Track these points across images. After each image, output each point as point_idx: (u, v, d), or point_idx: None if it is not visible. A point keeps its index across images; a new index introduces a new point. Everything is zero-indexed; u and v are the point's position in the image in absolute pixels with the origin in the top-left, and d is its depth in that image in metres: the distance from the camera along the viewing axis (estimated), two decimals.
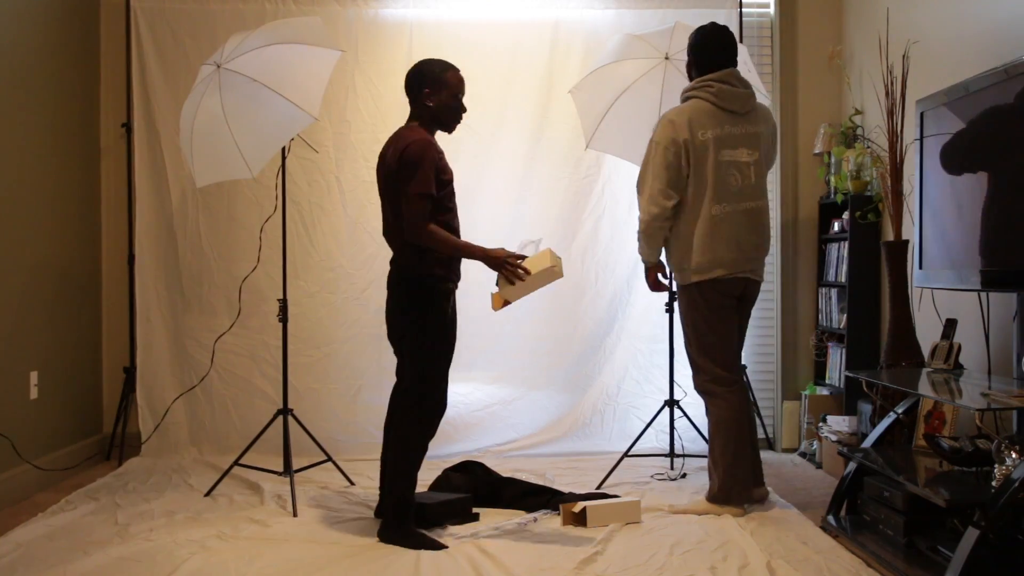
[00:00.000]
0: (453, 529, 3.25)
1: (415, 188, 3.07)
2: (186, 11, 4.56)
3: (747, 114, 3.45)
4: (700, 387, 3.57)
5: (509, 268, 3.10)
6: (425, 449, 3.22)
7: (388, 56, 4.61)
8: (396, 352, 3.35)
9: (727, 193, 3.39)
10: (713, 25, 3.57)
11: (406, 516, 3.12)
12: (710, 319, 3.48)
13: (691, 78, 3.53)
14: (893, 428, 3.39)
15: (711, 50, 3.47)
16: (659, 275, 3.71)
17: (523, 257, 3.14)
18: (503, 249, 3.17)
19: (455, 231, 3.25)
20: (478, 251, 3.16)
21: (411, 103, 3.28)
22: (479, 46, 4.62)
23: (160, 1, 4.55)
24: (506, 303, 3.16)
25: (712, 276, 3.42)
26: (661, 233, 3.48)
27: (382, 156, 3.25)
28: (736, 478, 3.45)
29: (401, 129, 3.27)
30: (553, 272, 3.12)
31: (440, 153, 3.18)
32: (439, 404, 3.24)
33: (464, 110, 3.31)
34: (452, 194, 3.24)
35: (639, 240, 3.56)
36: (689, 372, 4.61)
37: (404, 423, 3.22)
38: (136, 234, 4.59)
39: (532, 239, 3.24)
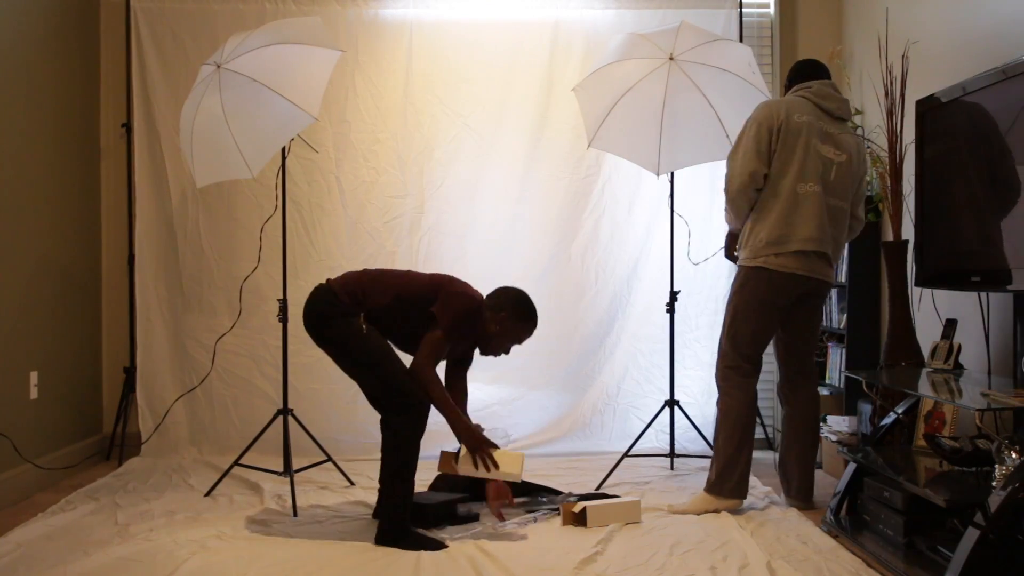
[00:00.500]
0: (453, 529, 3.25)
1: (445, 324, 3.16)
2: (186, 11, 4.56)
3: (841, 121, 3.52)
4: (718, 373, 3.57)
5: (481, 455, 3.20)
6: (418, 449, 3.17)
7: (388, 56, 4.61)
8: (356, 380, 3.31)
9: (814, 175, 3.42)
10: (805, 59, 3.75)
11: (404, 519, 3.12)
12: (751, 309, 3.46)
13: None
14: (893, 428, 3.39)
15: (805, 69, 3.63)
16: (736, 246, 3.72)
17: (495, 446, 3.24)
18: (482, 432, 3.25)
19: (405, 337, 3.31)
20: (462, 425, 3.22)
21: (488, 297, 3.37)
22: (479, 46, 4.63)
23: (160, 1, 4.55)
24: (451, 471, 3.27)
25: (784, 250, 3.38)
26: (747, 202, 3.50)
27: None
28: (734, 470, 3.45)
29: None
30: (515, 479, 3.25)
31: (470, 333, 3.30)
32: (422, 402, 3.16)
33: (507, 352, 3.41)
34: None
35: (726, 210, 3.60)
36: (690, 373, 4.65)
37: (394, 430, 3.13)
38: (136, 234, 4.59)
39: (500, 433, 3.33)
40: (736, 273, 3.55)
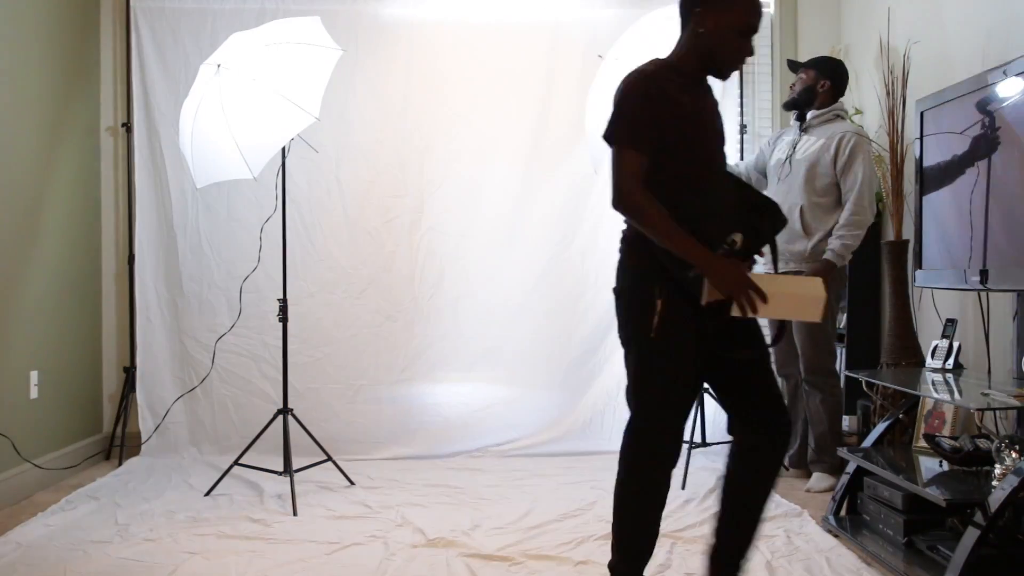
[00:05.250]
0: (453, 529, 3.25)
1: (614, 139, 2.23)
2: (186, 11, 4.56)
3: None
4: None
5: (745, 298, 2.14)
6: (645, 505, 2.29)
7: (388, 56, 4.61)
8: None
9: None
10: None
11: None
12: None
13: (833, 98, 3.87)
14: (893, 428, 3.39)
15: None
16: None
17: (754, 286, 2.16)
18: (734, 262, 2.18)
19: (689, 208, 2.20)
20: (700, 254, 2.14)
21: (681, 28, 2.33)
22: (479, 46, 4.62)
23: (160, 1, 4.55)
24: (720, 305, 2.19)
25: None
26: None
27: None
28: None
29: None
30: (813, 306, 2.17)
31: (660, 87, 2.22)
32: (661, 445, 2.26)
33: (751, 53, 2.29)
34: (690, 143, 2.26)
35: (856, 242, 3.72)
36: None
37: (620, 464, 2.32)
38: (136, 234, 4.58)
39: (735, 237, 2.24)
40: None
